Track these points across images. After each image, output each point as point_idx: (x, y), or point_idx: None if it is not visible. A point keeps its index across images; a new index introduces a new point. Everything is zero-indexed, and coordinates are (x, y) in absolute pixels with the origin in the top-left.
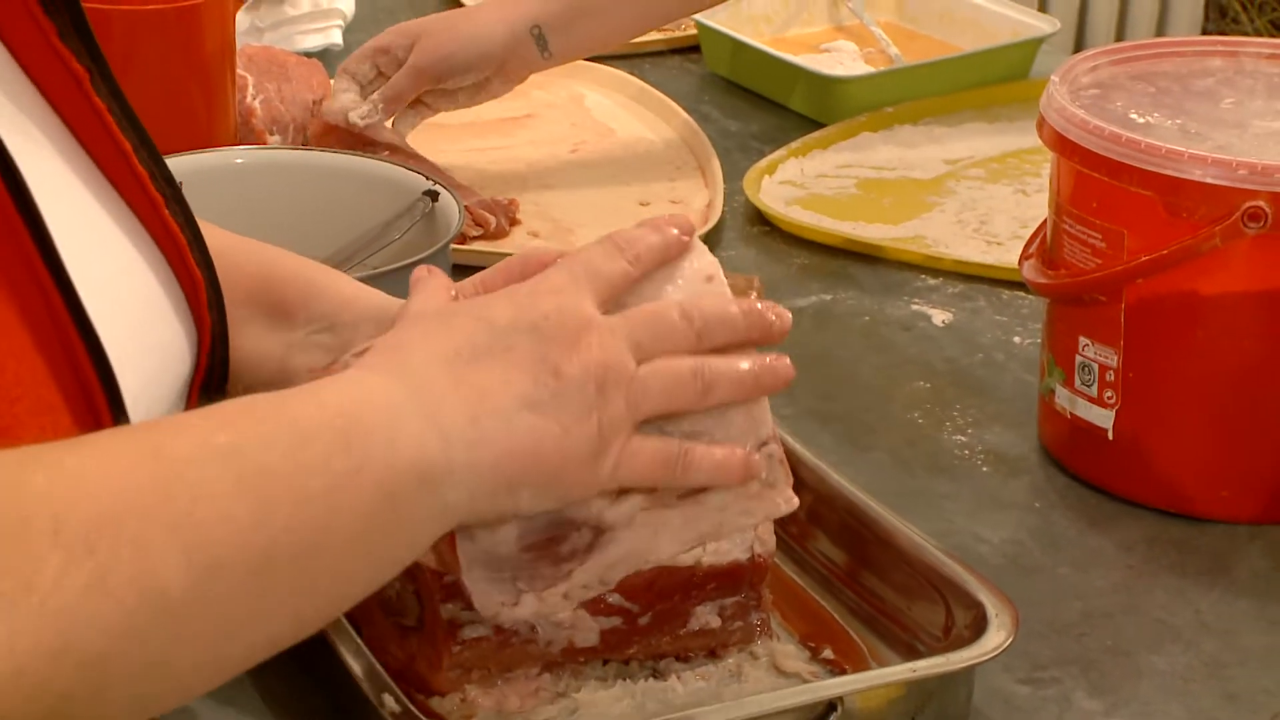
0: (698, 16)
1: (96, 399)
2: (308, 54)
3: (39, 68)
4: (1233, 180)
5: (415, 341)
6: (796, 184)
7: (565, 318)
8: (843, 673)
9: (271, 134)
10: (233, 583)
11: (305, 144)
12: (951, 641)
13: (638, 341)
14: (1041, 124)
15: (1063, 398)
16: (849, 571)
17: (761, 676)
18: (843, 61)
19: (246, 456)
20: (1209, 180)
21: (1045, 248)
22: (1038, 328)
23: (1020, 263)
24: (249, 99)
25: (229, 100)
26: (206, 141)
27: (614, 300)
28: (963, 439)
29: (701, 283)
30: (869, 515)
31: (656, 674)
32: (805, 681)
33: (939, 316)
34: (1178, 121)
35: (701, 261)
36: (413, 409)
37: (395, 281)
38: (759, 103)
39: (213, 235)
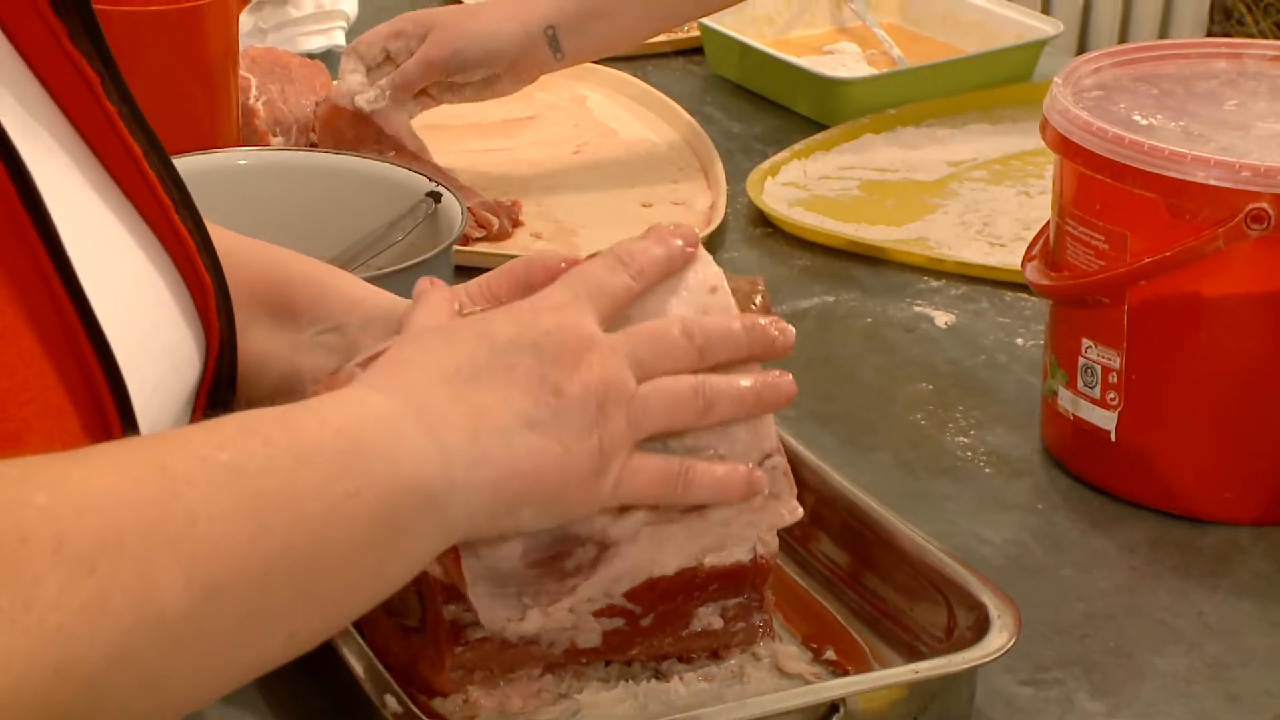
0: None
1: (105, 403)
2: (311, 55)
3: (50, 71)
4: (1236, 182)
5: (416, 358)
6: (799, 186)
7: (567, 336)
8: (845, 674)
9: (274, 135)
10: (230, 602)
11: (310, 145)
12: (954, 643)
13: (639, 359)
14: (1044, 126)
15: (1065, 399)
16: (851, 573)
17: (764, 678)
18: (845, 63)
19: (246, 476)
20: (1212, 182)
21: (1048, 249)
22: (1040, 329)
23: (1023, 264)
24: (252, 100)
25: (232, 101)
26: (209, 143)
27: (617, 315)
28: (965, 440)
29: (706, 294)
30: (871, 516)
31: (659, 675)
32: (807, 683)
33: (941, 318)
34: (1181, 123)
35: (706, 272)
36: (413, 428)
37: (398, 283)
38: (762, 104)
39: (218, 235)
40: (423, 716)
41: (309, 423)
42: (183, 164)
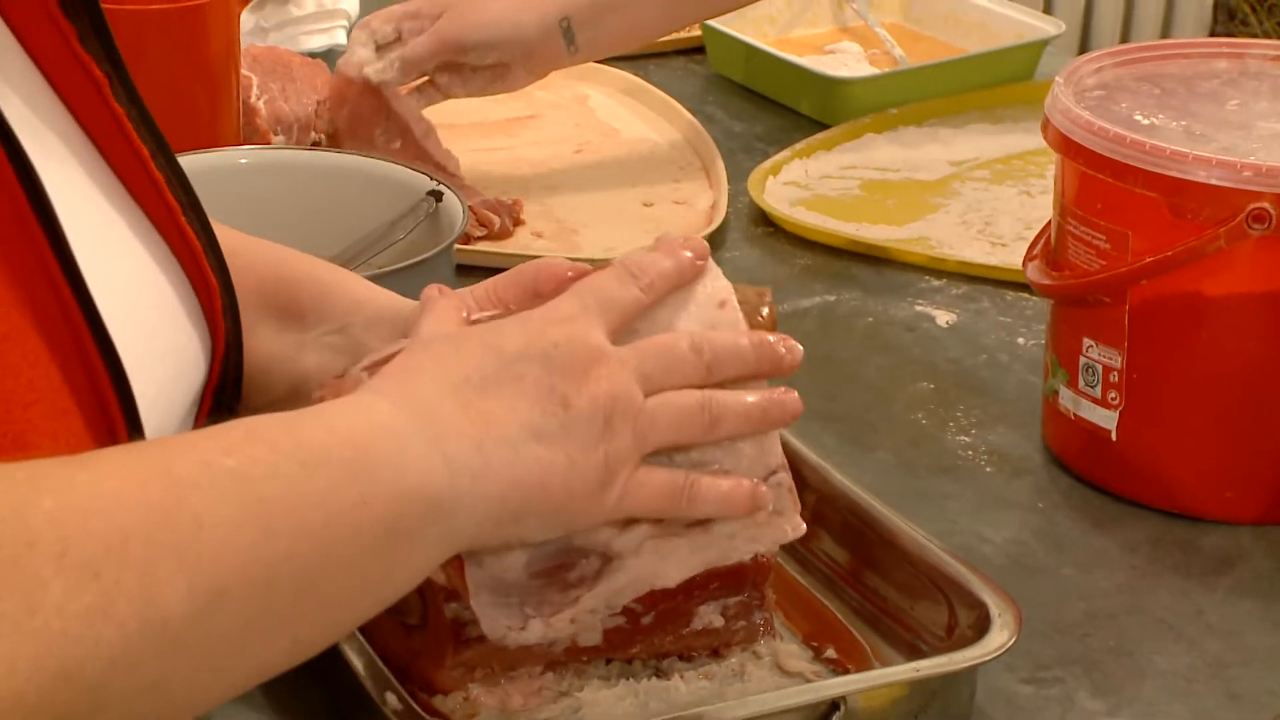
0: None
1: (110, 405)
2: (312, 54)
3: (59, 73)
4: (1237, 182)
5: (425, 366)
6: (801, 185)
7: (575, 348)
8: (846, 672)
9: (276, 134)
10: (233, 609)
11: (312, 144)
12: (955, 641)
13: (647, 374)
14: (1046, 125)
15: (1066, 399)
16: (852, 571)
17: (764, 676)
18: (847, 63)
19: (252, 483)
20: (1214, 182)
21: (1049, 249)
22: (1042, 329)
23: (1024, 264)
24: (253, 99)
25: (233, 100)
26: (210, 141)
27: (626, 327)
28: (966, 439)
29: (714, 309)
30: (872, 515)
31: (659, 673)
32: (808, 681)
33: (943, 317)
34: (1182, 123)
35: (715, 286)
36: (420, 436)
37: (399, 281)
38: (763, 104)
39: (223, 235)
40: (423, 714)
41: (316, 430)
42: (184, 162)
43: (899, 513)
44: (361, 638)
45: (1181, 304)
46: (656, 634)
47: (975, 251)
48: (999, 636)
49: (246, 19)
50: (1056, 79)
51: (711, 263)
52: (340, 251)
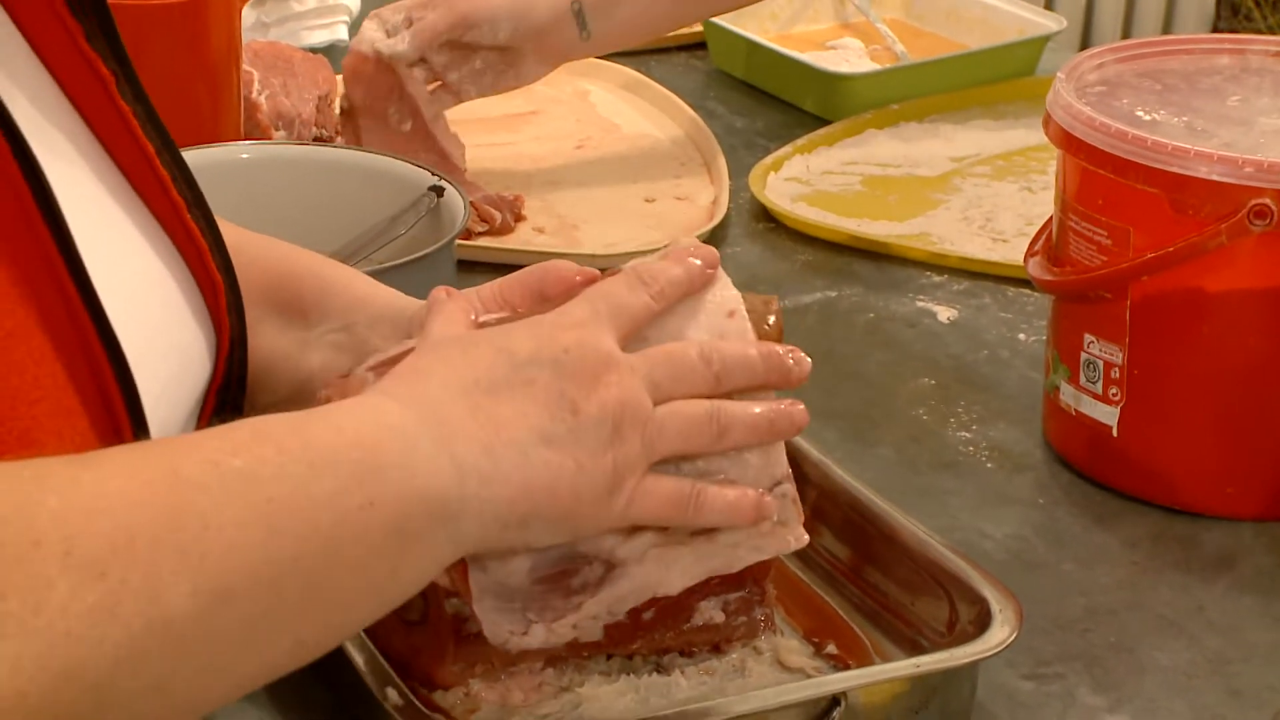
0: None
1: (115, 402)
2: (313, 50)
3: (65, 71)
4: (1239, 178)
5: (434, 369)
6: (802, 181)
7: (586, 353)
8: (846, 668)
9: (277, 129)
10: (239, 610)
11: (314, 139)
12: (955, 637)
13: (656, 382)
14: (1047, 121)
15: (1067, 395)
16: (853, 567)
17: (765, 672)
18: (849, 59)
19: (259, 484)
20: (1215, 177)
21: (1051, 245)
22: (1043, 325)
23: (1025, 260)
24: (254, 94)
25: (234, 95)
26: (212, 136)
27: (635, 334)
28: (967, 435)
29: (723, 318)
30: (873, 511)
31: (660, 669)
32: (809, 677)
33: (944, 313)
34: (1184, 119)
35: (724, 295)
36: (428, 439)
37: (401, 277)
38: (765, 99)
39: (227, 231)
40: (424, 710)
41: (324, 430)
42: (186, 158)
43: (900, 508)
44: (362, 634)
45: (1183, 300)
46: (657, 630)
47: (976, 247)
48: (1000, 632)
49: (248, 14)
50: (1058, 75)
51: (721, 271)
52: (341, 247)
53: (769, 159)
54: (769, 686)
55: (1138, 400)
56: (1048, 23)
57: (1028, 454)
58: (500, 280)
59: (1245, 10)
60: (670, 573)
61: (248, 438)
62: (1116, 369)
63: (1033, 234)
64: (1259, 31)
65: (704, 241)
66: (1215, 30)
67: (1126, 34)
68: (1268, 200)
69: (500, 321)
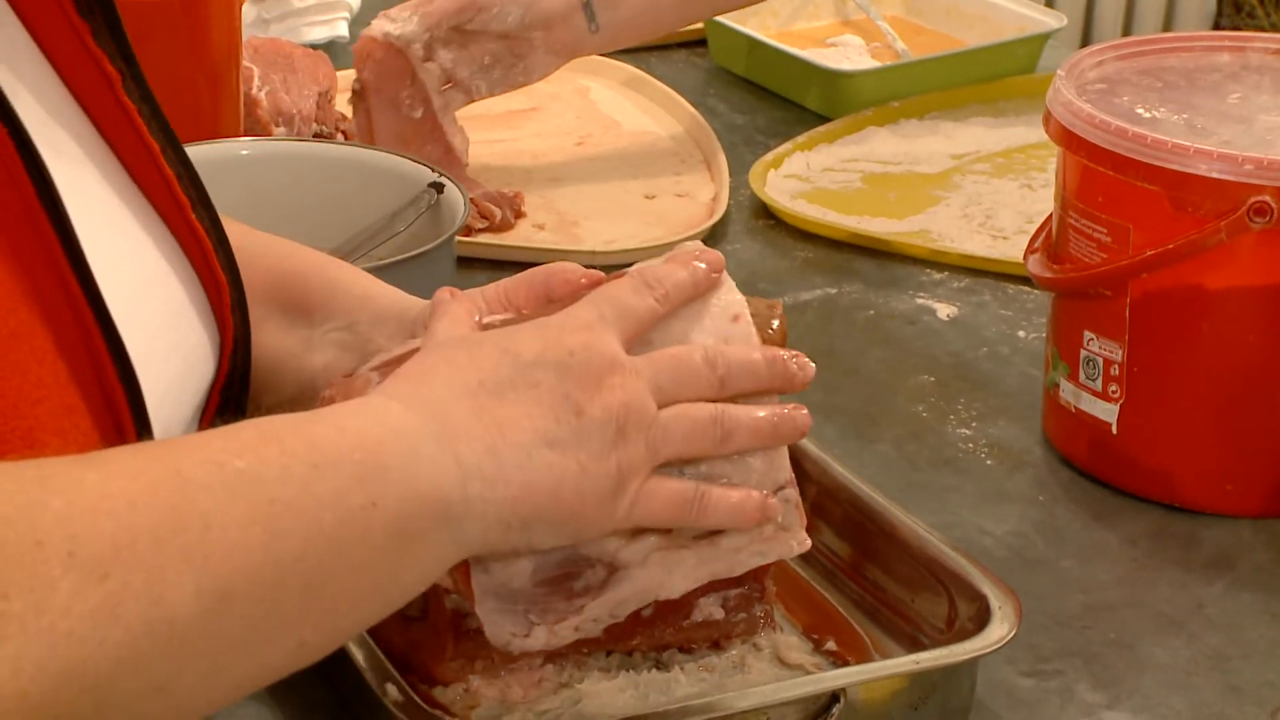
0: None
1: (118, 402)
2: (314, 46)
3: (72, 69)
4: (1238, 175)
5: (439, 370)
6: (802, 178)
7: (591, 356)
8: (846, 664)
9: (277, 125)
10: (241, 611)
11: (315, 135)
12: (955, 634)
13: (660, 385)
14: (1047, 118)
15: (1067, 392)
16: (853, 564)
17: (765, 668)
18: (849, 56)
19: (262, 485)
20: (1215, 175)
21: (1051, 242)
22: (1042, 322)
23: (1025, 257)
24: (255, 90)
25: (235, 92)
26: (212, 133)
27: (640, 337)
28: (967, 432)
29: (728, 322)
30: (873, 508)
31: (660, 665)
32: (808, 673)
33: (944, 310)
34: (1184, 116)
35: (729, 299)
36: (432, 441)
37: (400, 274)
38: (765, 96)
39: (231, 229)
40: (424, 705)
41: (327, 431)
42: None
43: (900, 505)
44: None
45: (1182, 297)
46: (657, 626)
47: (976, 245)
48: (999, 629)
49: (248, 10)
50: (1058, 72)
51: (726, 275)
52: (341, 243)
53: (769, 156)
54: (768, 683)
55: (1137, 398)
56: (1048, 20)
57: (1027, 451)
58: (505, 281)
59: (1248, 8)
60: (672, 576)
61: (251, 438)
62: (1116, 366)
63: (1033, 231)
64: (1261, 28)
65: (704, 239)
66: (1217, 27)
67: (1127, 31)
68: (1267, 197)
69: (505, 322)
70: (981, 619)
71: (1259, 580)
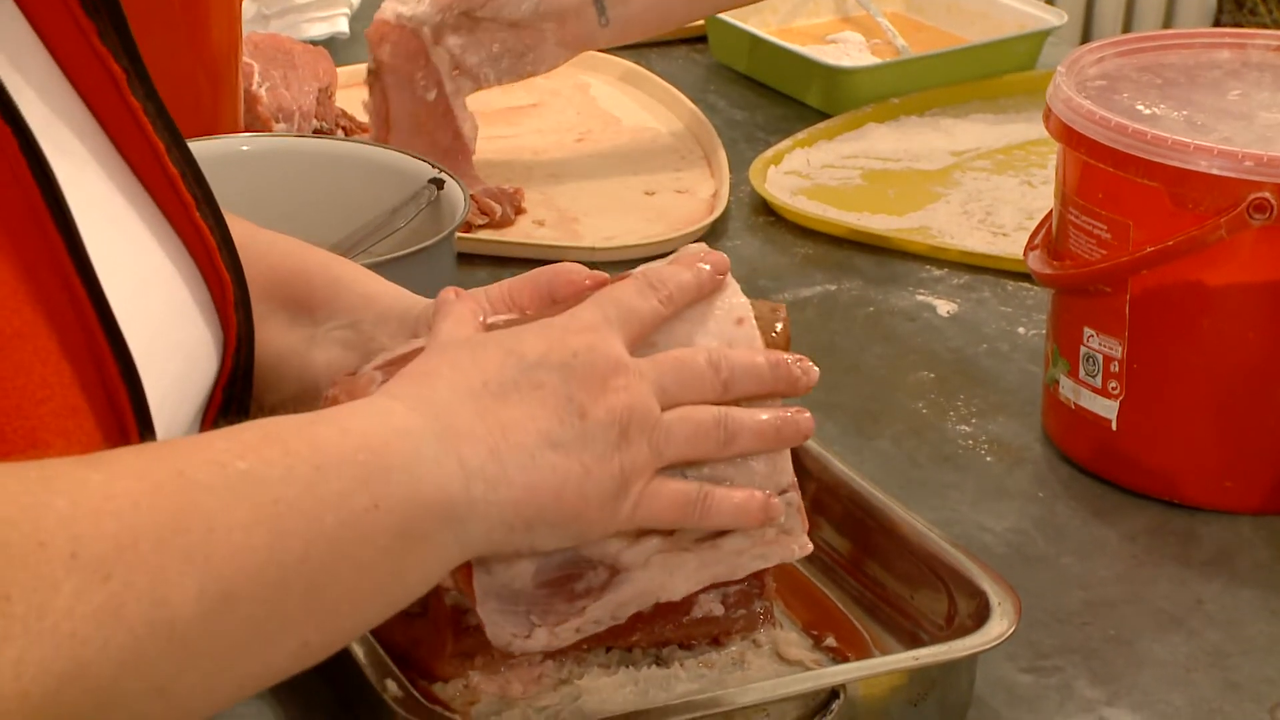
0: None
1: (120, 401)
2: (314, 42)
3: (77, 67)
4: (1238, 172)
5: (443, 371)
6: (802, 174)
7: (595, 358)
8: (845, 661)
9: (277, 121)
10: (243, 613)
11: (315, 132)
12: (954, 630)
13: (664, 387)
14: (1048, 115)
15: (1067, 388)
16: (852, 560)
17: (764, 664)
18: (849, 52)
19: (265, 487)
20: (1215, 171)
21: (1050, 238)
22: (1042, 318)
23: (1025, 253)
24: (255, 86)
25: (235, 88)
26: (212, 129)
27: (644, 339)
28: (967, 429)
29: (732, 325)
30: (873, 504)
31: (659, 661)
32: (808, 669)
33: (944, 307)
34: (1184, 113)
35: (733, 302)
36: (435, 442)
37: (400, 270)
38: (765, 93)
39: (235, 227)
40: (424, 701)
41: (330, 432)
42: None
43: (899, 502)
44: None
45: (1182, 294)
46: (657, 622)
47: (976, 241)
48: (998, 625)
49: (248, 6)
50: (1058, 69)
51: (730, 278)
52: (342, 239)
53: (769, 152)
54: (768, 679)
55: (1137, 394)
56: (1048, 17)
57: (1027, 447)
58: (509, 281)
59: (1249, 4)
60: (674, 578)
61: (254, 440)
62: (1116, 363)
63: (1032, 228)
64: (1263, 24)
65: (704, 235)
66: (1219, 23)
67: (1127, 28)
68: (1267, 194)
69: (509, 323)
70: (981, 615)
71: (1258, 577)
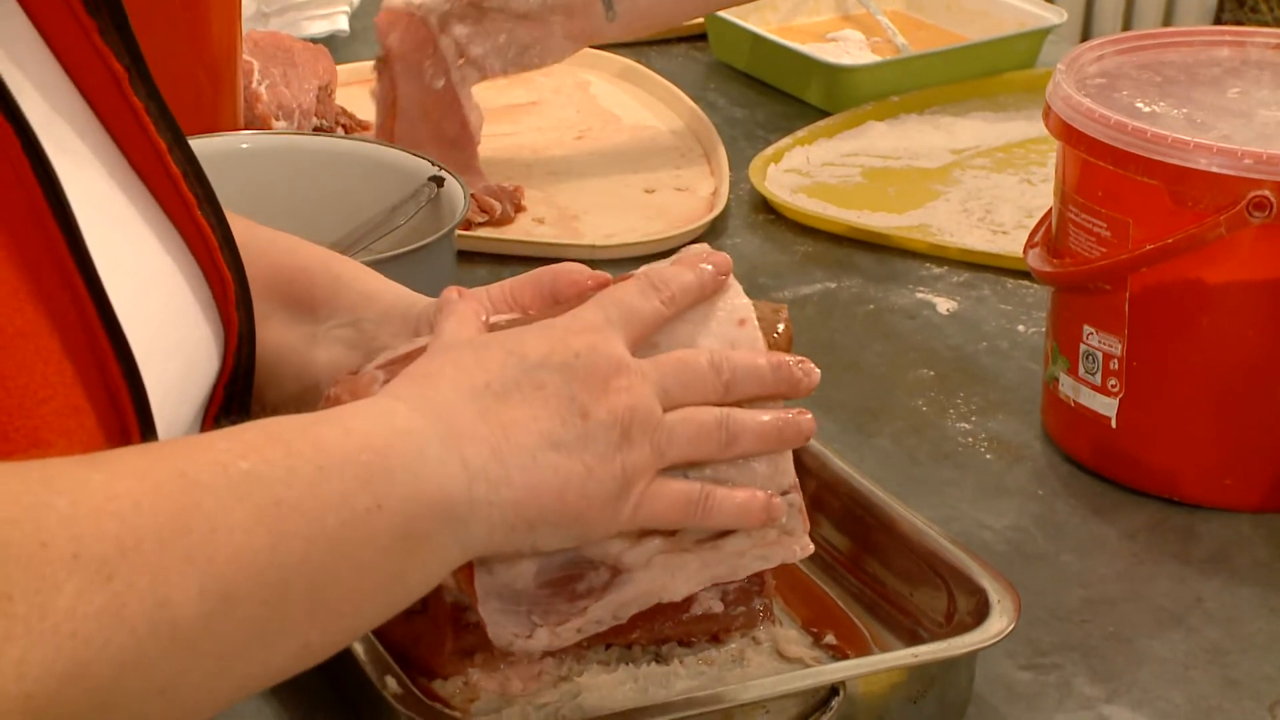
0: None
1: (122, 400)
2: (314, 40)
3: (79, 66)
4: (1238, 169)
5: (445, 372)
6: (802, 172)
7: (597, 359)
8: (845, 658)
9: (277, 119)
10: (244, 613)
11: (315, 129)
12: (954, 627)
13: (666, 389)
14: (1047, 113)
15: (1066, 386)
16: (852, 557)
17: (764, 661)
18: (849, 50)
19: (267, 487)
20: (1214, 169)
21: (1050, 236)
22: (1042, 316)
23: (1025, 251)
24: (255, 84)
25: (235, 85)
26: (212, 126)
27: (646, 339)
28: (966, 426)
29: (734, 327)
30: (872, 501)
31: (659, 659)
32: (807, 666)
33: (943, 305)
34: (1184, 111)
35: (735, 303)
36: (438, 442)
37: (400, 267)
38: (765, 91)
39: (236, 225)
40: (423, 698)
41: (333, 433)
42: None
43: (899, 499)
44: None
45: (1182, 292)
46: (656, 620)
47: (976, 239)
48: (998, 623)
49: (248, 4)
50: (1058, 66)
51: (733, 279)
52: (341, 237)
53: (769, 150)
54: (768, 676)
55: (1136, 392)
56: (1048, 15)
57: (1027, 445)
58: (511, 280)
59: (1251, 1)
60: (675, 579)
61: (257, 440)
62: (1115, 360)
63: (1032, 226)
64: (1264, 21)
65: (704, 233)
66: (1220, 19)
67: (1127, 26)
68: (1267, 192)
69: (511, 322)
70: (980, 613)
71: (1257, 575)
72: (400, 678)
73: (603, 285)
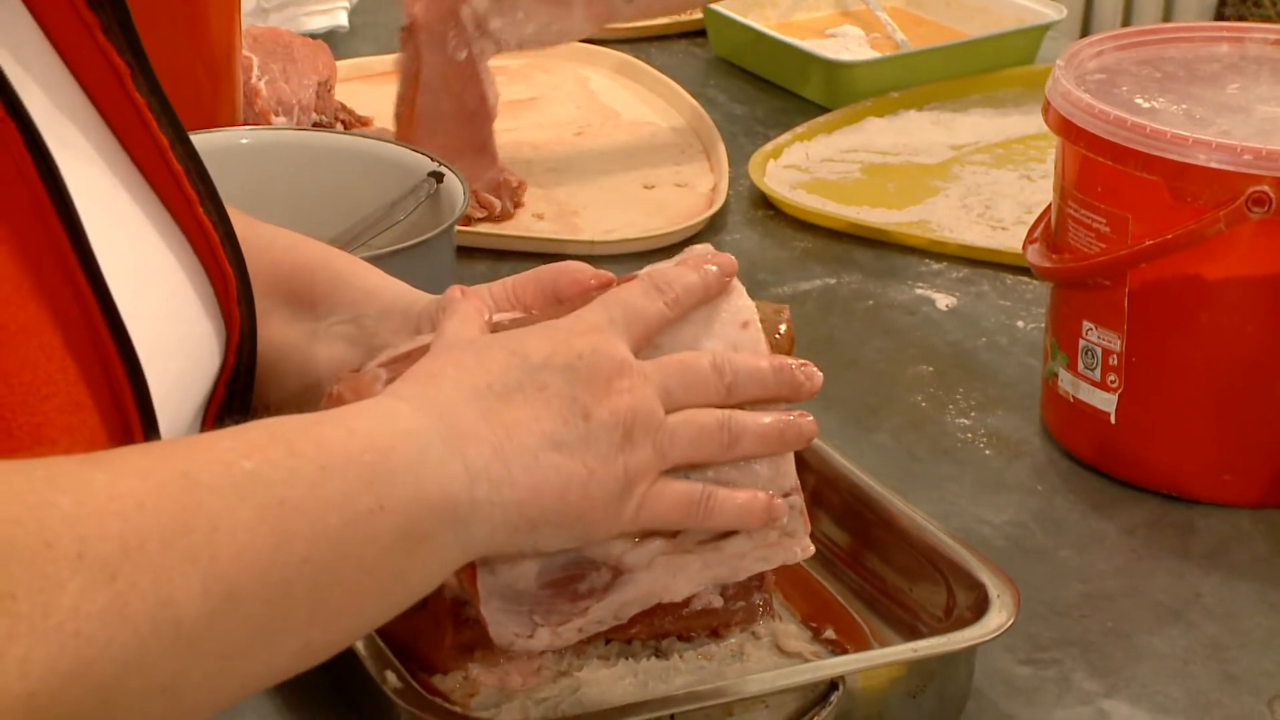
0: None
1: (124, 397)
2: (313, 35)
3: (81, 63)
4: (1237, 165)
5: (448, 372)
6: (801, 168)
7: (600, 360)
8: (844, 653)
9: (276, 115)
10: (247, 612)
11: (314, 125)
12: (953, 622)
13: (668, 390)
14: (1047, 108)
15: (1066, 381)
16: (852, 553)
17: (764, 656)
18: (849, 46)
19: (269, 487)
20: (1214, 165)
21: (1050, 232)
22: (1041, 312)
23: (1024, 247)
24: (254, 80)
25: (234, 81)
26: (211, 122)
27: (649, 340)
28: (966, 422)
29: (737, 329)
30: (872, 497)
31: (659, 653)
32: (807, 661)
33: (943, 301)
34: (1183, 106)
35: (739, 305)
36: (440, 443)
37: (400, 263)
38: (765, 87)
39: (237, 221)
40: (423, 693)
41: (335, 433)
42: None
43: (898, 495)
44: None
45: (1181, 287)
46: (656, 615)
47: (975, 235)
48: (997, 618)
49: (247, 0)
50: (1057, 62)
51: (736, 281)
52: (341, 232)
53: (768, 146)
54: (767, 671)
55: (1136, 387)
56: (1047, 11)
57: (1026, 441)
58: (513, 278)
59: None
60: (676, 580)
61: (260, 439)
62: (1115, 356)
63: (1031, 221)
64: (1267, 17)
65: (703, 229)
66: (1220, 14)
67: (1126, 22)
68: (1266, 188)
69: (514, 321)
70: (980, 608)
71: (1256, 570)
72: (400, 672)
73: (605, 285)
